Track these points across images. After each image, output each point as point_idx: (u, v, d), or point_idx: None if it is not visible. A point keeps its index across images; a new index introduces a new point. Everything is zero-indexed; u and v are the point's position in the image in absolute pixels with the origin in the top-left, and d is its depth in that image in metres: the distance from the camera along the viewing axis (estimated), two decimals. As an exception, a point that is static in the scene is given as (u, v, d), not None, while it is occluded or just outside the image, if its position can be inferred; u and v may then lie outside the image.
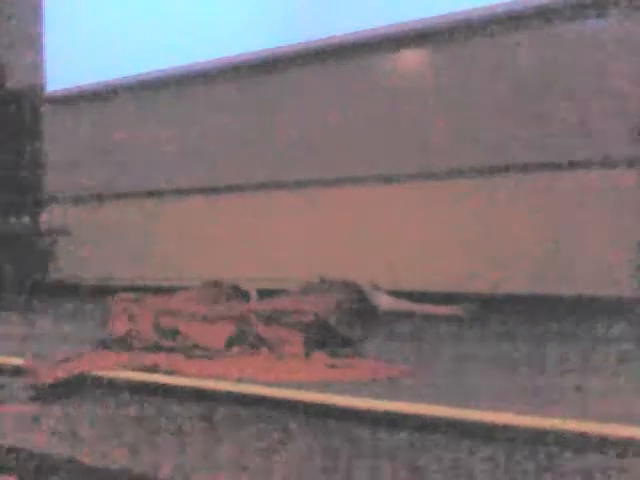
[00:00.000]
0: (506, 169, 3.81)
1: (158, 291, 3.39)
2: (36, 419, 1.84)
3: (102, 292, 4.85)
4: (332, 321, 2.70)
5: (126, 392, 2.07)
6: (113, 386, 2.14)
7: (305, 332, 2.56)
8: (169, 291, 3.30)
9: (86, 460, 1.51)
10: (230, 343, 2.56)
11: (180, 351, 2.50)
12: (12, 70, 5.63)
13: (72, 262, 5.31)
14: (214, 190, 4.70)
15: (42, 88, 5.61)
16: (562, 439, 1.46)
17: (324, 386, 1.95)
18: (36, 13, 5.65)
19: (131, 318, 2.76)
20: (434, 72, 4.10)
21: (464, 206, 3.88)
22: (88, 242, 5.16)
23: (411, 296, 3.61)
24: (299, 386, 1.95)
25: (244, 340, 2.57)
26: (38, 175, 5.61)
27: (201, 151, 4.75)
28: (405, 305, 3.48)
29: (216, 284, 3.26)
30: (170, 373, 2.21)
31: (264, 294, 3.26)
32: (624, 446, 1.40)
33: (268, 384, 1.98)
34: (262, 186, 4.52)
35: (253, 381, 2.04)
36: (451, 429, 1.57)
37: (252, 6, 4.57)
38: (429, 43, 4.09)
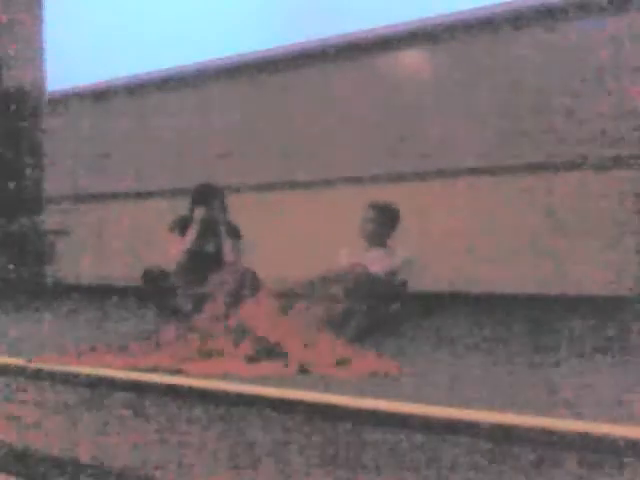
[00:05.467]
0: (505, 169, 3.81)
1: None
2: (35, 419, 1.85)
3: (100, 292, 4.87)
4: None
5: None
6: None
7: None
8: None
9: (86, 459, 1.51)
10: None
11: None
12: (12, 70, 5.63)
13: (71, 262, 5.31)
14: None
15: (42, 88, 5.61)
16: (563, 439, 1.46)
17: (325, 385, 1.95)
18: (36, 13, 5.65)
19: None
20: (434, 72, 4.10)
21: (464, 206, 3.88)
22: (87, 242, 5.16)
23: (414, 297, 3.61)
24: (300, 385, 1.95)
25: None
26: (38, 175, 5.61)
27: (201, 151, 4.75)
28: None
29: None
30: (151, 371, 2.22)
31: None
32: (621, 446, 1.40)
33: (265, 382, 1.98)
34: (262, 186, 4.52)
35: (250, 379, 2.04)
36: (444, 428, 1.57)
37: (252, 7, 4.57)
38: (429, 43, 4.09)
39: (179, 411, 1.87)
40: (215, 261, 3.48)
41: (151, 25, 4.89)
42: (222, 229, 3.50)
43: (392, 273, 3.26)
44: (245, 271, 3.26)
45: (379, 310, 3.01)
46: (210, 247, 3.52)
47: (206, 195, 3.56)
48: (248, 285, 3.16)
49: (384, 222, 3.36)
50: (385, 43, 4.16)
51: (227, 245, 3.49)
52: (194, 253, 3.49)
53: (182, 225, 3.56)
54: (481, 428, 1.54)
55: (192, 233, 3.47)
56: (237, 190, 4.17)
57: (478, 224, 3.82)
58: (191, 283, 3.38)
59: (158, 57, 4.85)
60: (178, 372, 2.22)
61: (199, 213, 3.49)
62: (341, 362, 2.28)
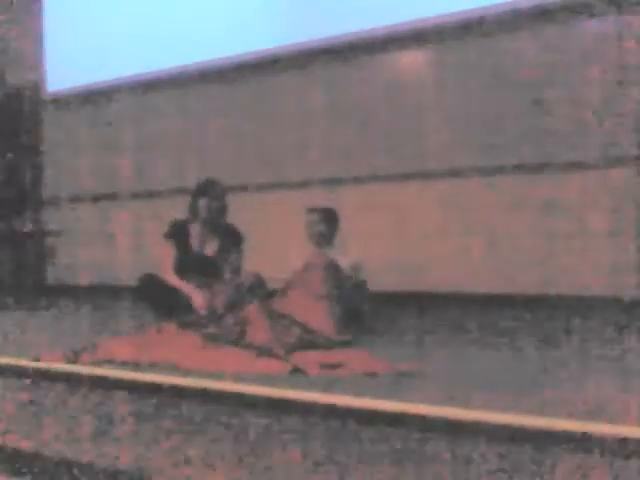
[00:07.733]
0: (506, 169, 3.81)
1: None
2: (34, 418, 1.84)
3: (100, 292, 4.87)
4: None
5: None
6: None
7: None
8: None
9: (86, 459, 1.51)
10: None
11: None
12: (13, 70, 5.63)
13: (70, 262, 5.31)
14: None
15: (42, 88, 5.61)
16: (562, 439, 1.46)
17: (324, 385, 1.94)
18: (36, 13, 5.65)
19: None
20: (433, 72, 4.10)
21: (463, 206, 3.88)
22: (87, 242, 5.16)
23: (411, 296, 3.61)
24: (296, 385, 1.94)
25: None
26: (38, 175, 5.61)
27: (201, 151, 4.75)
28: None
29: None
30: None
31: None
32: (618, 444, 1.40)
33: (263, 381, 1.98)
34: (262, 186, 4.52)
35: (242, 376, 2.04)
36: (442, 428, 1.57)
37: (253, 7, 4.57)
38: (429, 43, 4.09)
39: (178, 410, 1.87)
40: (214, 265, 3.46)
41: (152, 25, 4.89)
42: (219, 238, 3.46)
43: (356, 270, 3.27)
44: (240, 284, 3.27)
45: (349, 308, 3.03)
46: (209, 250, 3.46)
47: (209, 188, 3.49)
48: (247, 293, 3.16)
49: (330, 223, 3.39)
50: (385, 43, 4.16)
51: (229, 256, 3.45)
52: (194, 256, 3.44)
53: (179, 232, 3.47)
54: (482, 427, 1.54)
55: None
56: (237, 190, 4.17)
57: (477, 224, 3.83)
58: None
59: (159, 57, 4.85)
60: (174, 365, 2.25)
61: (202, 205, 3.41)
62: (334, 363, 2.28)
